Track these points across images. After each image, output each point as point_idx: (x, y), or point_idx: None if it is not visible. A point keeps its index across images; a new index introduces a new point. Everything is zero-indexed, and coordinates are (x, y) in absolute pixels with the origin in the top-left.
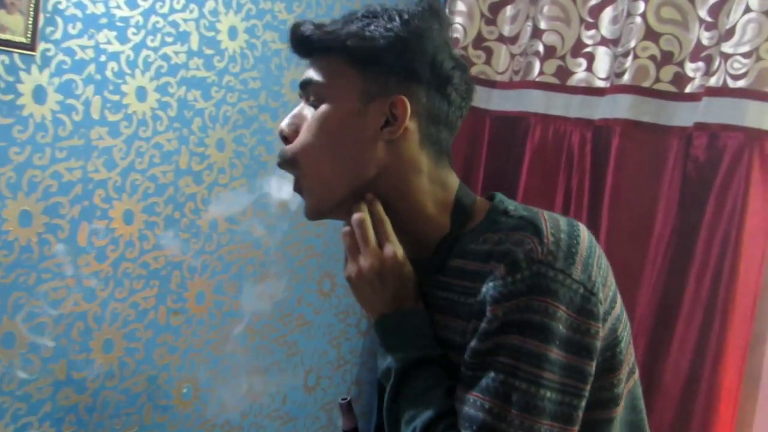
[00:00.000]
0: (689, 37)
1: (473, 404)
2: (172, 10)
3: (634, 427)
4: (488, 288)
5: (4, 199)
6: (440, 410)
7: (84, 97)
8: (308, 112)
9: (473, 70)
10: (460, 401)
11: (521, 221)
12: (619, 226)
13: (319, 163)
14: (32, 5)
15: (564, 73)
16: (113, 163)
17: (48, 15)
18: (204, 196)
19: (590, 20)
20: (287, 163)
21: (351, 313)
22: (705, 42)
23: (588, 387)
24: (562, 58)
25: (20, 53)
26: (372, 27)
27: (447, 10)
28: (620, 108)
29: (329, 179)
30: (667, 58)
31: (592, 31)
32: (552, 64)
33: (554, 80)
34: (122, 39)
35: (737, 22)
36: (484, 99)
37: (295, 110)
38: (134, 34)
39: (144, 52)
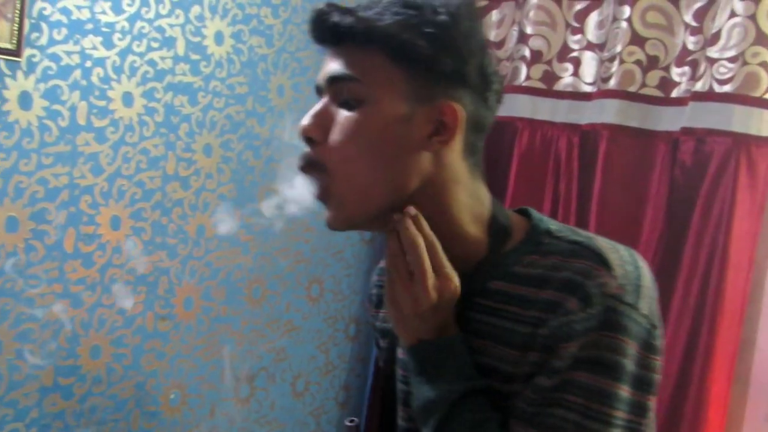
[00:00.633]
0: (675, 41)
1: None
2: (158, 16)
3: None
4: (560, 322)
5: None
6: None
7: (70, 102)
8: (336, 111)
9: None
10: None
11: (578, 247)
12: (606, 230)
13: (356, 172)
14: (17, 11)
15: (550, 77)
16: (100, 169)
17: (33, 21)
18: (191, 202)
19: (576, 25)
20: (315, 168)
21: (339, 319)
22: (690, 47)
23: (646, 422)
24: (549, 62)
25: (5, 59)
26: (417, 21)
27: None
28: (607, 113)
29: (366, 190)
30: (653, 62)
31: (578, 36)
32: (538, 69)
33: (541, 85)
34: (108, 44)
35: (722, 26)
36: None
37: (318, 108)
38: (120, 39)
39: (130, 58)
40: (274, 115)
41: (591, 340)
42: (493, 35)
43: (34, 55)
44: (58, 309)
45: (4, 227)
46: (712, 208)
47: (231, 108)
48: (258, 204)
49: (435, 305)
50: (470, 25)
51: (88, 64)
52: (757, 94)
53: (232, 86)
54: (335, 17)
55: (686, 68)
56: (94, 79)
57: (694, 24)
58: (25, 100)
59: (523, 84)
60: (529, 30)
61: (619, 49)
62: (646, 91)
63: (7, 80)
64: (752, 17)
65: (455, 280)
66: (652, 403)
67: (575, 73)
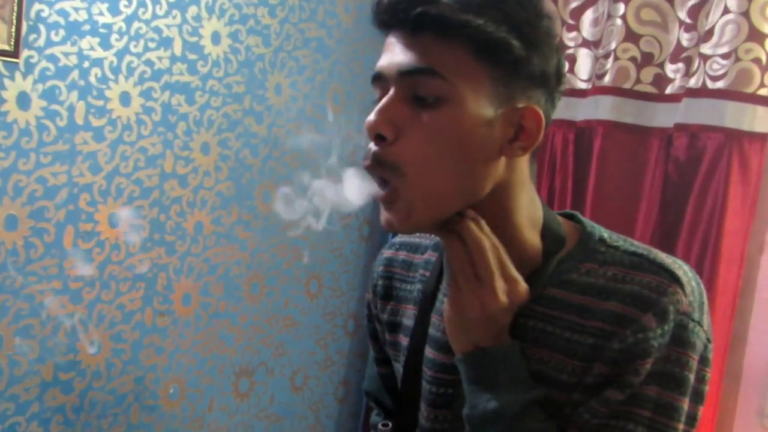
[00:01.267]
0: (669, 38)
1: None
2: (155, 16)
3: None
4: (636, 339)
5: None
6: None
7: (68, 102)
8: (407, 107)
9: None
10: None
11: (640, 260)
12: (601, 225)
13: (434, 175)
14: (15, 13)
15: None
16: (98, 168)
17: (31, 23)
18: (189, 199)
19: (571, 22)
20: (387, 168)
21: (338, 315)
22: (684, 43)
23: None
24: None
25: (3, 60)
26: (502, 16)
27: None
28: (602, 109)
29: (441, 194)
30: (647, 59)
31: (574, 33)
32: None
33: None
34: (105, 45)
35: (716, 23)
36: None
37: (387, 103)
38: (117, 40)
39: (127, 58)
40: (271, 114)
41: (662, 355)
42: None
43: (31, 57)
44: (57, 305)
45: (4, 225)
46: (704, 202)
47: (228, 107)
48: (256, 201)
49: (505, 309)
50: (549, 21)
51: (86, 64)
52: (749, 90)
53: (229, 85)
54: (420, 4)
55: (680, 65)
56: (92, 79)
57: (688, 21)
58: (23, 100)
59: None
60: None
61: (613, 45)
62: (640, 87)
63: (6, 81)
64: (745, 14)
65: (523, 283)
66: (700, 413)
67: (570, 70)
